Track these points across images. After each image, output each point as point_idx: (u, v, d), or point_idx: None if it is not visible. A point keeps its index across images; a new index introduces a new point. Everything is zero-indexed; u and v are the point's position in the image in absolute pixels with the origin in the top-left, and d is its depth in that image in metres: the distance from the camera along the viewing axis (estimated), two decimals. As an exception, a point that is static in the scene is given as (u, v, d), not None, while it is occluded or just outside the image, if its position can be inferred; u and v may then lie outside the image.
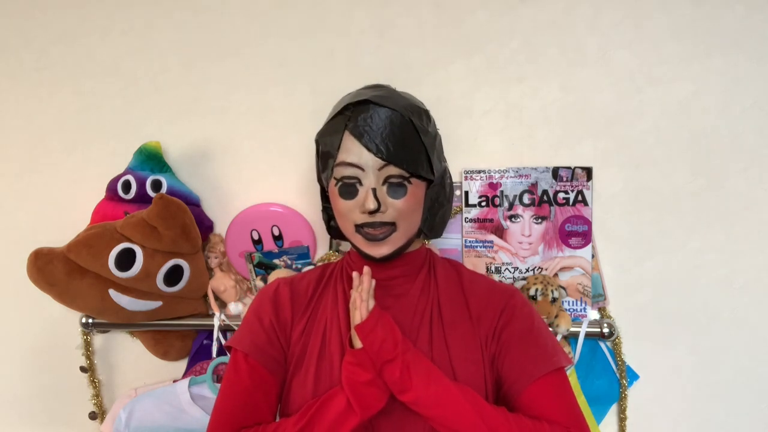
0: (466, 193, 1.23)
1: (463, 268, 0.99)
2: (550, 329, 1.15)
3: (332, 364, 0.85)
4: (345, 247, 1.28)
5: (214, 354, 1.27)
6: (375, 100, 0.84)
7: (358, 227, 0.86)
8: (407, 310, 0.89)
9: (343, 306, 0.90)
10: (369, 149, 0.82)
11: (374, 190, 0.83)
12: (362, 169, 0.83)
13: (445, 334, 0.87)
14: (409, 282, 0.92)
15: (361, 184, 0.84)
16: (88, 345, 1.39)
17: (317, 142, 0.91)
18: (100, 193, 1.32)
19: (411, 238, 0.89)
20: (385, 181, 0.84)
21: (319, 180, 0.94)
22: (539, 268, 1.22)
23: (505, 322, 0.88)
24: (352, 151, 0.83)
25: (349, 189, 0.85)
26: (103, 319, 1.27)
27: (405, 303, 0.90)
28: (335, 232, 0.99)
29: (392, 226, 0.85)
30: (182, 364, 1.37)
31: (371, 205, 0.82)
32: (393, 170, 0.83)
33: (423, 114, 0.89)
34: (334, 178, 0.86)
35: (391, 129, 0.83)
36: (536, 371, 0.83)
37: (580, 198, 1.20)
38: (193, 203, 1.30)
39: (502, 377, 0.86)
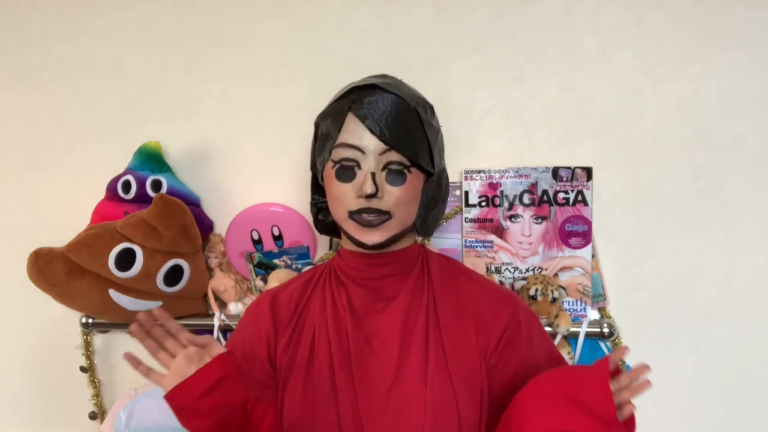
0: (466, 193, 1.23)
1: (460, 265, 0.96)
2: (550, 329, 1.15)
3: (321, 371, 0.84)
4: (345, 247, 1.28)
5: (214, 354, 1.27)
6: (382, 86, 0.83)
7: (352, 213, 0.83)
8: (400, 313, 0.86)
9: (331, 310, 0.88)
10: (372, 131, 0.80)
11: (373, 175, 0.81)
12: (363, 152, 0.82)
13: (442, 339, 0.84)
14: (401, 282, 0.89)
15: (359, 167, 0.82)
16: (88, 345, 1.39)
17: (317, 124, 0.89)
18: (100, 193, 1.32)
19: (405, 229, 0.87)
20: (385, 167, 0.82)
21: (313, 167, 0.92)
22: (539, 268, 1.22)
23: (509, 340, 0.85)
24: (355, 133, 0.81)
25: (347, 172, 0.83)
26: (103, 319, 1.28)
27: (397, 306, 0.87)
28: (322, 226, 0.97)
29: (387, 215, 0.83)
30: (182, 364, 1.37)
31: (369, 188, 0.79)
32: (394, 156, 0.82)
33: (428, 107, 0.89)
34: (332, 161, 0.84)
35: (397, 115, 0.82)
36: None
37: (580, 198, 1.20)
38: (193, 203, 1.30)
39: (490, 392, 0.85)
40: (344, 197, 0.83)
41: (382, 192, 0.82)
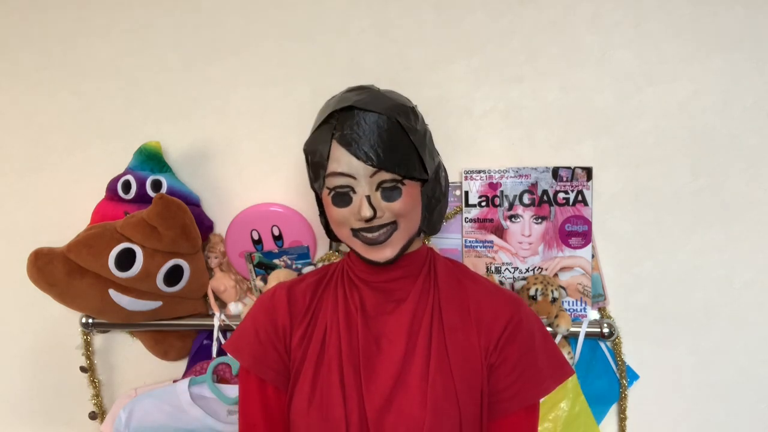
0: (466, 193, 1.23)
1: (465, 268, 0.97)
2: (550, 329, 1.15)
3: (330, 368, 0.85)
4: (345, 248, 1.28)
5: (214, 354, 1.27)
6: (360, 105, 0.82)
7: (356, 231, 0.85)
8: (408, 314, 0.88)
9: (343, 309, 0.89)
10: (358, 158, 0.81)
11: (368, 198, 0.82)
12: (354, 178, 0.82)
13: (445, 339, 0.86)
14: (409, 284, 0.90)
15: (354, 192, 0.83)
16: (88, 345, 1.39)
17: (306, 152, 0.89)
18: (100, 193, 1.32)
19: (412, 237, 0.88)
20: (379, 186, 0.83)
21: (313, 188, 0.92)
22: (539, 268, 1.22)
23: (509, 338, 0.86)
24: (342, 161, 0.82)
25: (343, 197, 0.84)
26: (103, 319, 1.27)
27: (406, 307, 0.88)
28: (335, 236, 0.98)
29: (393, 225, 0.84)
30: (182, 364, 1.38)
31: (367, 212, 0.81)
32: (385, 176, 0.82)
33: (410, 112, 0.87)
34: (327, 188, 0.85)
35: (379, 134, 0.81)
36: (513, 405, 0.84)
37: (580, 198, 1.20)
38: (193, 203, 1.30)
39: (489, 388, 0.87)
40: (345, 220, 0.85)
41: (381, 211, 0.83)
